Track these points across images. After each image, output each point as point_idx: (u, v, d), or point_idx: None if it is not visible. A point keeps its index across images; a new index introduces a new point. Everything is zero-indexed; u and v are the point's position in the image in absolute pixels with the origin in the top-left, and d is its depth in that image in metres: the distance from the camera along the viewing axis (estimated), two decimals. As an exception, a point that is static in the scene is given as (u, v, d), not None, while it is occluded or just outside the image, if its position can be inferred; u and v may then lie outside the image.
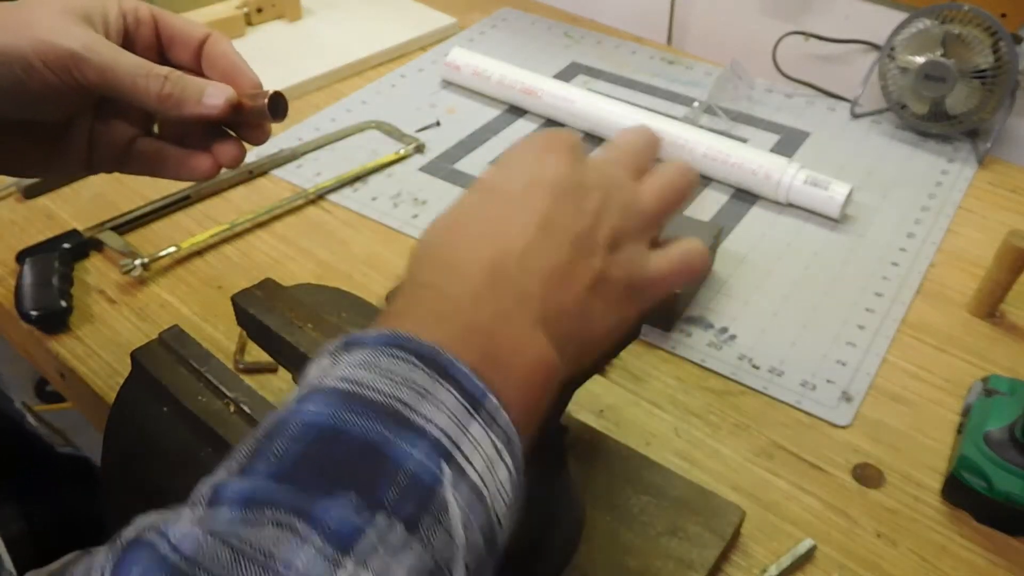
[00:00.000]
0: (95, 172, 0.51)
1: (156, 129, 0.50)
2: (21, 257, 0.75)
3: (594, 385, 0.66)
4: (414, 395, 0.29)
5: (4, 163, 0.49)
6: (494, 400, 0.31)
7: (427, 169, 0.90)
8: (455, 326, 0.32)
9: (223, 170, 0.51)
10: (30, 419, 0.68)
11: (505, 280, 0.34)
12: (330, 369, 0.31)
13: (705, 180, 0.89)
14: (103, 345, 0.69)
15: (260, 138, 0.50)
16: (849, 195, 0.82)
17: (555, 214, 0.36)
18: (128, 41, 0.47)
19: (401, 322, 0.32)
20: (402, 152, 0.91)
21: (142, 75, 0.45)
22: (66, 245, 0.76)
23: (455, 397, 0.30)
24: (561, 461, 0.51)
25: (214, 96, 0.46)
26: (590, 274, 0.36)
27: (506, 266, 0.35)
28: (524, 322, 0.34)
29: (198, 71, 0.49)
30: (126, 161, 0.51)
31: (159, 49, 0.49)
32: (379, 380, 0.29)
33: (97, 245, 0.78)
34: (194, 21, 0.50)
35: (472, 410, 0.30)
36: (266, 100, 0.47)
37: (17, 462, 0.64)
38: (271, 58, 1.05)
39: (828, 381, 0.67)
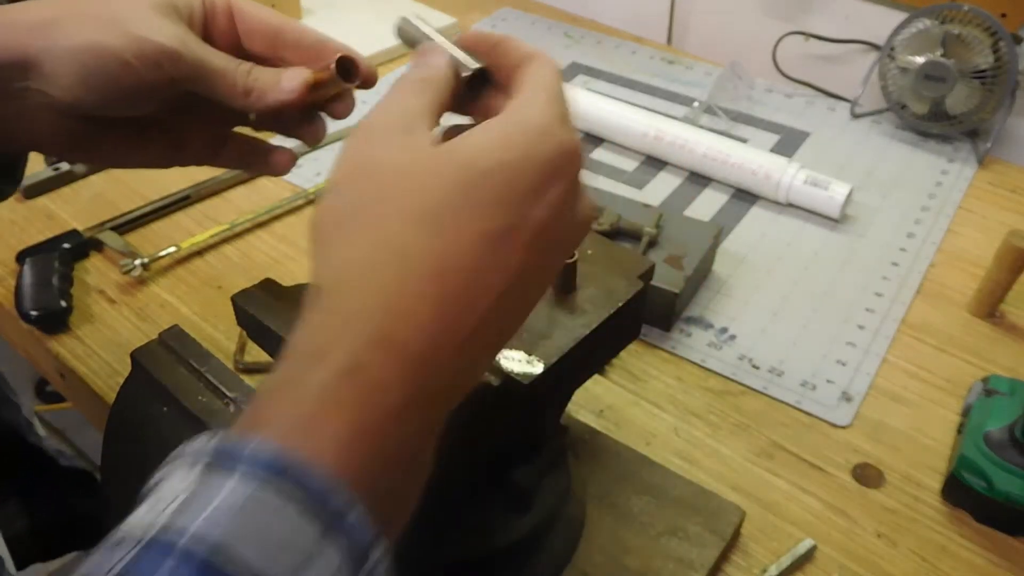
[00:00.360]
0: (185, 164, 0.51)
1: (252, 117, 0.51)
2: (21, 257, 0.75)
3: (594, 385, 0.66)
4: (292, 564, 0.24)
5: (91, 155, 0.49)
6: (381, 549, 0.26)
7: (427, 169, 0.90)
8: (363, 445, 0.27)
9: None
10: (37, 427, 0.67)
11: (437, 373, 0.29)
12: (189, 502, 0.24)
13: (705, 180, 0.89)
14: (103, 345, 0.69)
15: (344, 111, 0.49)
16: (849, 195, 0.82)
17: (521, 280, 0.31)
18: (207, 32, 0.47)
19: (298, 415, 0.26)
20: (402, 152, 0.91)
21: (231, 70, 0.44)
22: (66, 245, 0.76)
23: (339, 558, 0.24)
24: (561, 461, 0.51)
25: (290, 80, 0.45)
26: (519, 326, 0.33)
27: (441, 355, 0.29)
28: (433, 435, 0.29)
29: (276, 59, 0.49)
30: (218, 155, 0.51)
31: (236, 39, 0.49)
32: (250, 541, 0.23)
33: (97, 245, 0.78)
34: (270, 11, 0.49)
35: (355, 570, 0.25)
36: (333, 66, 0.45)
37: (21, 463, 0.63)
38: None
39: (828, 381, 0.67)
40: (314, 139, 0.51)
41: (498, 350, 0.33)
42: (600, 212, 0.74)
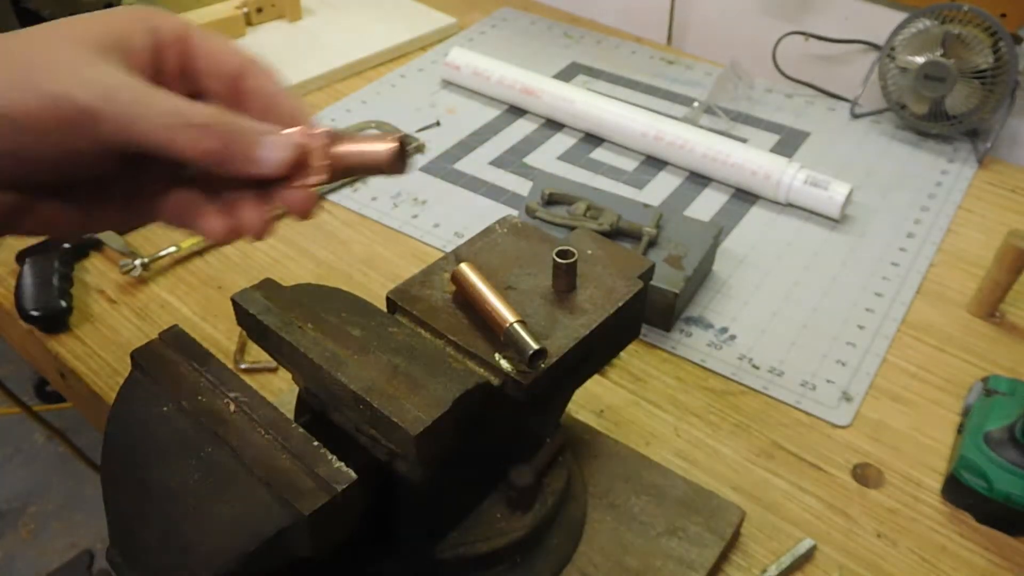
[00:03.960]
0: (130, 229, 0.43)
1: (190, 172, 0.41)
2: (21, 257, 0.75)
3: (594, 385, 0.66)
4: None
5: (29, 229, 0.40)
6: None
7: (427, 169, 0.90)
8: None
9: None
10: None
11: None
12: None
13: (705, 180, 0.89)
14: (103, 345, 0.69)
15: (305, 205, 0.40)
16: (849, 195, 0.82)
17: None
18: (156, 70, 0.38)
19: None
20: (402, 152, 0.91)
21: (177, 125, 0.35)
22: (66, 245, 0.76)
23: None
24: (561, 461, 0.51)
25: (271, 150, 0.36)
26: None
27: None
28: None
29: (234, 106, 0.39)
30: (156, 214, 0.41)
31: (191, 78, 0.40)
32: None
33: (97, 245, 0.78)
34: (231, 46, 0.40)
35: None
36: (390, 149, 0.35)
37: None
38: (271, 58, 1.05)
39: (828, 381, 0.67)
40: (257, 235, 0.40)
41: None
42: (600, 212, 0.74)
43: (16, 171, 0.36)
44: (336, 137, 0.38)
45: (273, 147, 0.37)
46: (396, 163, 0.37)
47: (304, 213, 0.40)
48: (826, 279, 0.77)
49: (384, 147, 0.36)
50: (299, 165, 0.38)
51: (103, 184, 0.39)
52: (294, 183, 0.39)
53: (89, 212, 0.40)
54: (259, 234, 0.40)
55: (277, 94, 0.39)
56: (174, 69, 0.39)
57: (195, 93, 0.40)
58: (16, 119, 0.34)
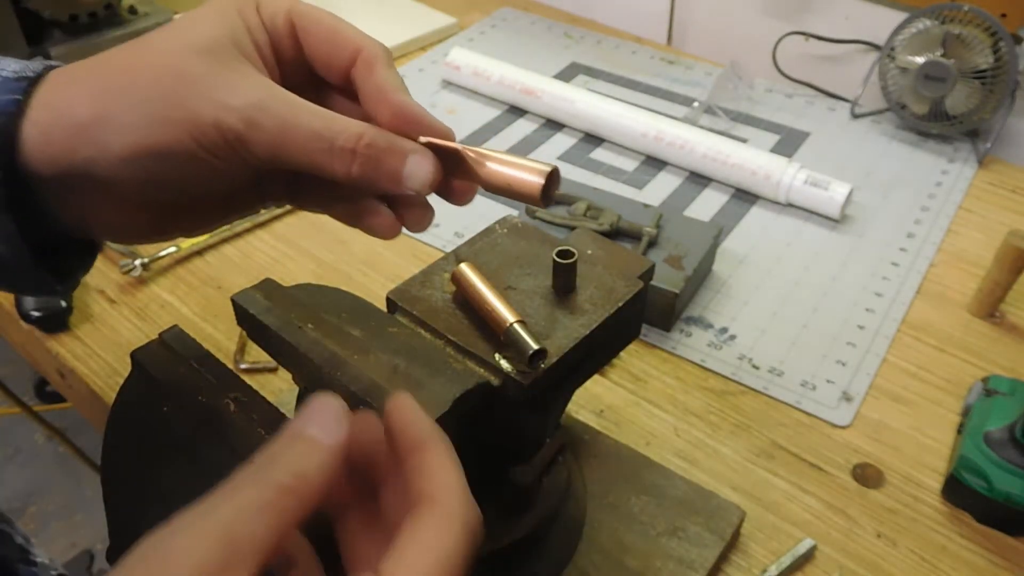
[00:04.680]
0: (267, 207, 0.43)
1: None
2: (21, 257, 0.75)
3: (594, 385, 0.66)
4: None
5: (174, 234, 0.40)
6: None
7: (427, 169, 0.90)
8: None
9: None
10: (34, 552, 0.62)
11: None
12: None
13: (705, 180, 0.89)
14: (103, 345, 0.69)
15: (467, 195, 0.39)
16: (849, 195, 0.82)
17: None
18: (279, 61, 0.38)
19: None
20: (402, 152, 0.91)
21: (322, 149, 0.34)
22: (66, 245, 0.76)
23: None
24: (561, 461, 0.51)
25: (418, 172, 0.35)
26: None
27: None
28: None
29: (347, 84, 0.38)
30: (295, 197, 0.42)
31: (305, 65, 0.38)
32: None
33: (97, 245, 0.78)
34: (339, 32, 0.38)
35: None
36: (543, 180, 0.34)
37: None
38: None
39: (828, 381, 0.67)
40: (421, 227, 0.40)
41: None
42: (600, 212, 0.74)
43: (162, 196, 0.36)
44: (484, 154, 0.37)
45: (419, 166, 0.36)
46: (542, 196, 0.36)
47: (462, 203, 0.40)
48: (826, 279, 0.77)
49: (535, 180, 0.35)
50: (448, 174, 0.37)
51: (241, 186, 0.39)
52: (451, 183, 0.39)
53: (226, 210, 0.41)
54: (421, 228, 0.40)
55: (387, 91, 0.36)
56: (290, 58, 0.38)
57: (311, 82, 0.39)
58: (163, 153, 0.33)
